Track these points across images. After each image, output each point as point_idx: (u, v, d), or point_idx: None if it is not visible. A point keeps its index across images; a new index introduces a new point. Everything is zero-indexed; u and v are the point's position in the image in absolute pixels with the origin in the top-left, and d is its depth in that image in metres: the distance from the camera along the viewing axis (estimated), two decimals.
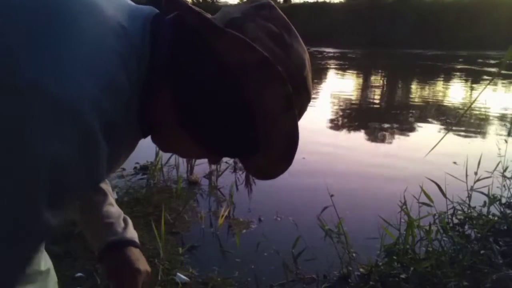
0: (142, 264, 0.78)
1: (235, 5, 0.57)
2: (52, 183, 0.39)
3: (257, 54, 0.49)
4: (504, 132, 4.45)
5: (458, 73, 10.15)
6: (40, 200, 0.39)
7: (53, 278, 0.81)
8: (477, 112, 5.58)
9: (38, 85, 0.38)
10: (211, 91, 0.51)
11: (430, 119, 5.25)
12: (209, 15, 0.55)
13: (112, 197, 0.85)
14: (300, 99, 0.55)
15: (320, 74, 9.42)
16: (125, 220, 0.82)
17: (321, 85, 7.97)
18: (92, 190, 0.49)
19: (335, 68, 11.17)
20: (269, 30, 0.53)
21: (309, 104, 0.61)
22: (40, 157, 0.38)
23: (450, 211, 1.95)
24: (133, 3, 0.55)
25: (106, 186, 0.86)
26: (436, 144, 1.38)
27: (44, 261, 0.79)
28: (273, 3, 0.56)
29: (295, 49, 0.54)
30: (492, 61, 12.25)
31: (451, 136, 4.30)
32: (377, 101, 6.83)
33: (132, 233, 0.81)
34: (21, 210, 0.39)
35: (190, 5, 0.51)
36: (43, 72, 0.39)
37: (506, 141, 2.77)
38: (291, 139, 0.54)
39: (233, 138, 0.54)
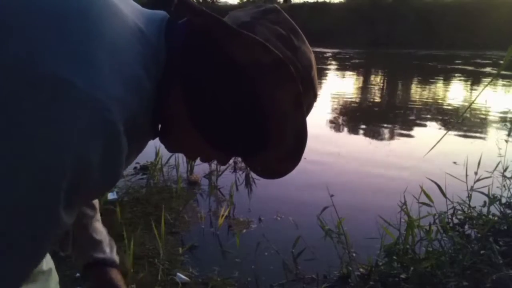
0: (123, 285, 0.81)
1: (242, 9, 0.58)
2: (73, 181, 0.39)
3: (271, 55, 0.50)
4: (504, 132, 4.45)
5: (458, 73, 10.15)
6: (59, 199, 0.39)
7: (54, 278, 0.81)
8: (477, 112, 5.58)
9: (68, 81, 0.38)
10: (223, 91, 0.52)
11: (430, 119, 5.24)
12: None
13: (98, 213, 0.86)
14: (308, 98, 0.57)
15: (320, 74, 9.41)
16: (110, 242, 0.84)
17: (321, 85, 7.97)
18: (109, 190, 0.49)
19: (335, 68, 11.17)
20: (278, 33, 0.54)
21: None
22: (66, 153, 0.38)
23: (450, 211, 1.95)
24: (144, 9, 0.56)
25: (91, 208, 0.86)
26: (436, 144, 1.38)
27: (46, 261, 0.79)
28: (279, 7, 0.58)
29: (303, 51, 0.56)
30: (492, 61, 12.25)
31: (451, 136, 4.30)
32: (377, 101, 6.83)
33: (116, 256, 0.83)
34: (40, 209, 0.38)
35: (203, 7, 0.51)
36: (73, 69, 0.39)
37: (506, 141, 2.77)
38: (301, 136, 0.55)
39: (244, 136, 0.55)
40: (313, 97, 0.59)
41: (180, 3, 0.52)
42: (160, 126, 0.57)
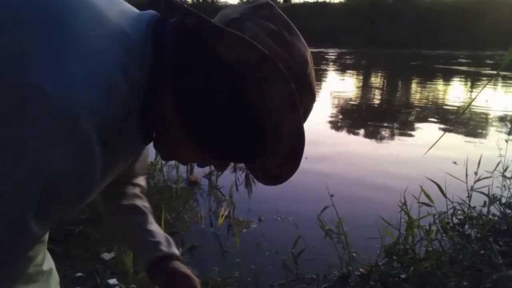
0: (191, 273, 0.80)
1: (233, 6, 0.56)
2: (43, 191, 0.39)
3: (257, 52, 0.48)
4: (504, 132, 4.45)
5: (458, 73, 10.15)
6: (29, 209, 0.39)
7: (55, 278, 0.81)
8: (477, 112, 5.58)
9: (39, 89, 0.38)
10: (211, 91, 0.50)
11: (430, 119, 5.24)
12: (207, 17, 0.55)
13: (151, 215, 0.86)
14: (304, 98, 0.54)
15: (320, 74, 9.42)
16: (168, 239, 0.84)
17: (321, 85, 7.97)
18: (84, 201, 0.47)
19: (335, 68, 11.17)
20: (269, 29, 0.52)
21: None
22: (33, 161, 0.38)
23: (450, 211, 1.95)
24: (135, 9, 0.55)
25: (143, 202, 0.86)
26: (435, 143, 1.38)
27: (47, 261, 0.79)
28: (272, 2, 0.55)
29: (297, 47, 0.53)
30: (492, 61, 12.25)
31: (451, 136, 4.30)
32: (377, 101, 6.83)
33: (175, 250, 0.82)
34: (9, 219, 0.38)
35: (190, 7, 0.50)
36: (44, 76, 0.39)
37: (506, 141, 2.77)
38: (297, 137, 0.53)
39: (239, 139, 0.53)
40: (311, 96, 0.56)
41: (166, 4, 0.51)
42: (152, 131, 0.55)
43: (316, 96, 0.59)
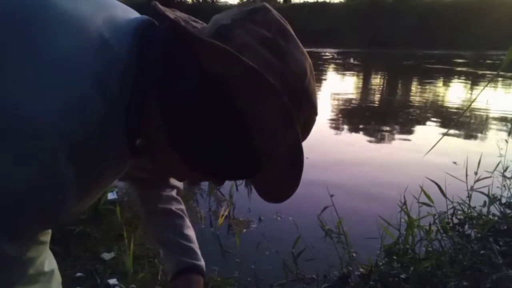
0: None
1: (227, 11, 0.52)
2: (8, 213, 0.37)
3: (241, 64, 0.44)
4: (505, 132, 4.45)
5: (458, 73, 10.15)
6: None
7: (57, 279, 0.81)
8: (477, 112, 5.58)
9: (1, 107, 0.36)
10: (198, 104, 0.46)
11: (430, 119, 5.24)
12: (199, 25, 0.52)
13: (187, 219, 0.88)
14: (302, 112, 0.50)
15: (320, 74, 9.41)
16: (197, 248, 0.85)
17: (321, 86, 7.97)
18: (59, 220, 0.45)
19: (335, 68, 11.17)
20: (261, 36, 0.47)
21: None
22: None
23: (450, 211, 1.95)
24: (129, 13, 0.53)
25: (179, 205, 0.87)
26: (436, 143, 1.38)
27: (48, 262, 0.78)
28: (269, 6, 0.51)
29: (293, 56, 0.49)
30: (492, 61, 12.24)
31: (451, 136, 4.30)
32: (377, 101, 6.83)
33: (203, 262, 0.84)
34: None
35: (175, 18, 0.48)
36: (6, 94, 0.37)
37: (506, 141, 2.77)
38: (295, 155, 0.49)
39: (227, 155, 0.49)
40: (311, 110, 0.52)
41: (154, 13, 0.48)
42: (142, 145, 0.52)
43: (317, 107, 0.55)
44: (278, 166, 0.50)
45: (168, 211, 0.85)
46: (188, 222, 0.86)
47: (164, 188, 0.86)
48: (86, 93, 0.41)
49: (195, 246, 0.84)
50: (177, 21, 0.47)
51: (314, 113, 0.53)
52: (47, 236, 0.79)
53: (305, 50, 0.52)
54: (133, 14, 0.54)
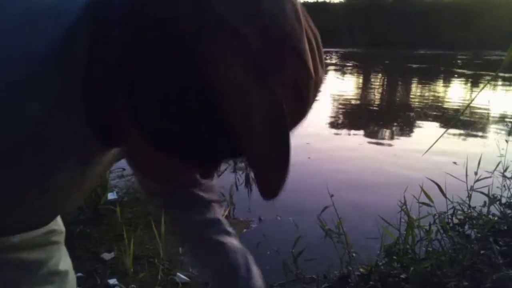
0: None
1: None
2: None
3: (193, 4, 0.34)
4: (505, 132, 4.45)
5: (457, 73, 10.14)
6: None
7: (72, 280, 0.78)
8: (477, 112, 5.58)
9: None
10: (160, 72, 0.36)
11: (430, 119, 5.25)
12: None
13: (229, 228, 0.78)
14: (286, 68, 0.37)
15: None
16: (248, 263, 0.72)
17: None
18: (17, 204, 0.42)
19: (335, 68, 11.17)
20: None
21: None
22: None
23: (450, 211, 1.95)
24: None
25: (231, 239, 0.77)
26: (435, 142, 1.38)
27: (64, 261, 0.76)
28: None
29: None
30: (492, 62, 12.24)
31: (451, 136, 4.30)
32: (377, 101, 6.83)
33: (255, 282, 0.70)
34: None
35: None
36: None
37: (506, 141, 2.77)
38: (273, 125, 0.37)
39: (189, 124, 0.38)
40: (300, 66, 0.38)
41: None
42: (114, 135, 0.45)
43: (307, 61, 0.40)
44: (257, 141, 0.38)
45: (222, 245, 0.74)
46: (246, 253, 0.74)
47: (205, 207, 0.77)
48: (34, 65, 0.37)
49: (241, 263, 0.72)
50: None
51: (305, 68, 0.39)
52: (60, 236, 0.77)
53: None
54: None
